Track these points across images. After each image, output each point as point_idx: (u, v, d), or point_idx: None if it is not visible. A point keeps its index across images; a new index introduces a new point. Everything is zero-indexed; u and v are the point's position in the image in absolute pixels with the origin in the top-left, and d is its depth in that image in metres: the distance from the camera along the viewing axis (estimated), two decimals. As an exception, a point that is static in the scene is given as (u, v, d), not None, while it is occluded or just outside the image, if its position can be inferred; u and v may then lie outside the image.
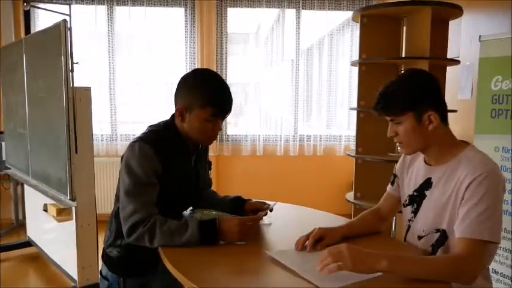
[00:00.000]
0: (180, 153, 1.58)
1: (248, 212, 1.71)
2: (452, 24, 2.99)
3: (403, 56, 3.08)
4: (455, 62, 2.89)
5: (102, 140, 4.71)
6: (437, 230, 1.37)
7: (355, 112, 3.04)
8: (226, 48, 4.74)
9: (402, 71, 1.28)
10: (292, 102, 4.93)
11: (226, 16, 4.73)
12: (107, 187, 4.60)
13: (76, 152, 2.84)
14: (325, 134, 5.00)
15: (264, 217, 1.69)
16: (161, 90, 4.82)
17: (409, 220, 1.50)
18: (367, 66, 3.06)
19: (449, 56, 3.01)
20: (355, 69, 4.71)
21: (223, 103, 1.51)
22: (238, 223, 1.45)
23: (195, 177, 1.69)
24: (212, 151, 4.79)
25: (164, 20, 4.68)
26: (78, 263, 2.97)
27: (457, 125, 3.20)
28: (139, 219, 1.43)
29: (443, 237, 1.35)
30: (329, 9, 4.82)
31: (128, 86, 4.80)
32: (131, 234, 1.44)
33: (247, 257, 1.37)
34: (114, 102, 4.70)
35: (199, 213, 1.73)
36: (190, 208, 1.78)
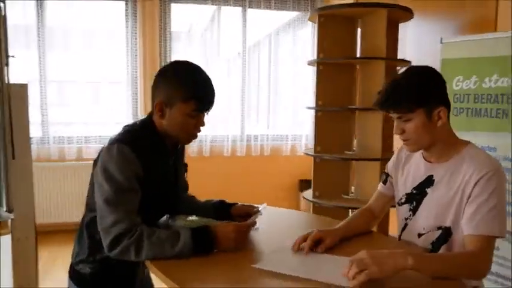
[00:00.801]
0: (158, 153, 1.44)
1: (236, 217, 1.60)
2: (404, 26, 3.10)
3: (358, 56, 3.13)
4: (407, 62, 2.99)
5: (32, 144, 4.26)
6: (439, 228, 1.37)
7: (300, 111, 3.02)
8: (170, 46, 4.54)
9: (401, 70, 1.22)
10: (238, 102, 4.84)
11: (170, 12, 4.52)
12: (42, 195, 4.18)
13: (13, 158, 2.53)
14: (272, 133, 4.98)
15: None
16: (100, 89, 4.49)
17: (406, 218, 1.49)
18: (324, 65, 3.07)
19: (408, 57, 3.10)
20: (301, 69, 4.84)
21: (207, 96, 1.39)
22: (234, 229, 1.34)
23: (174, 178, 1.55)
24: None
25: (103, 14, 4.35)
26: (15, 282, 2.65)
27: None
28: (123, 230, 1.27)
29: (446, 234, 1.35)
30: (275, 8, 4.81)
31: (62, 84, 4.41)
32: (114, 248, 1.27)
33: (241, 263, 1.28)
34: (46, 101, 4.29)
35: (181, 220, 1.59)
36: (167, 216, 1.63)
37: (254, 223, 1.47)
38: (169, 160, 1.51)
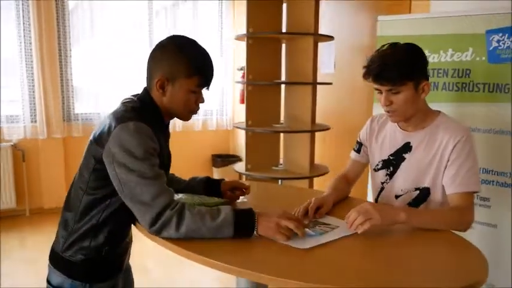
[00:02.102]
0: (161, 132, 1.39)
1: (226, 192, 1.60)
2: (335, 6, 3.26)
3: (284, 31, 3.22)
4: (330, 38, 3.16)
5: None
6: (417, 189, 1.54)
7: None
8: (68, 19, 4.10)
9: (386, 47, 1.32)
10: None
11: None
12: None
13: None
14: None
15: (241, 196, 1.61)
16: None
17: (383, 183, 1.64)
18: (254, 40, 3.09)
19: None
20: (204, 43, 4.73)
21: (210, 71, 1.37)
22: (277, 220, 1.23)
23: (169, 156, 1.51)
24: (59, 132, 4.16)
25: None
26: None
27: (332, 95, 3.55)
28: (167, 202, 1.22)
29: (424, 194, 1.53)
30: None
31: None
32: (156, 222, 1.21)
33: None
34: None
35: (186, 200, 1.48)
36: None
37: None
38: (167, 139, 1.47)
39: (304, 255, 1.16)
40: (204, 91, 1.39)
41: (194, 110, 1.40)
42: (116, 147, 1.23)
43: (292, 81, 3.16)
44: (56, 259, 1.37)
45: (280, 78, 3.33)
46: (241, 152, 5.10)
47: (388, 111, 1.50)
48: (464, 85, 2.19)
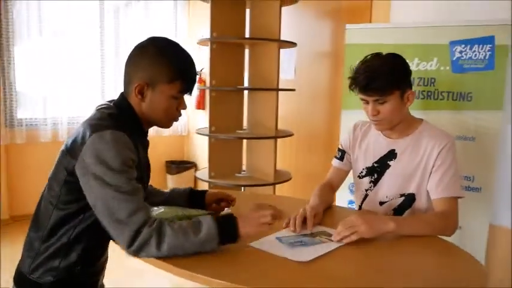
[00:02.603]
0: (140, 141, 1.31)
1: (211, 204, 1.53)
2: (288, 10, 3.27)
3: (247, 36, 3.20)
4: (293, 44, 3.17)
5: None
6: (402, 195, 1.57)
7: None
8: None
9: (374, 55, 1.33)
10: (98, 81, 4.38)
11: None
12: None
13: None
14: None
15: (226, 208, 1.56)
16: None
17: (367, 190, 1.65)
18: (218, 45, 3.04)
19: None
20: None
21: (193, 76, 1.30)
22: (254, 213, 1.26)
23: (148, 166, 1.42)
24: (1, 139, 3.84)
25: None
26: None
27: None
28: (143, 219, 1.13)
29: (410, 200, 1.56)
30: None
31: None
32: (134, 241, 1.10)
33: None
34: None
35: (164, 213, 1.38)
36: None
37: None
38: (145, 147, 1.37)
39: (301, 267, 1.13)
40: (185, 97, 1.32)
41: (175, 117, 1.32)
42: (90, 157, 1.13)
43: (257, 87, 3.14)
44: (21, 281, 1.25)
45: (243, 84, 3.30)
46: (197, 158, 5.00)
47: (375, 121, 1.52)
48: (429, 93, 2.28)
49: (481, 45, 2.12)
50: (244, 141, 3.33)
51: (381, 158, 1.61)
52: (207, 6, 3.04)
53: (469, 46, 2.16)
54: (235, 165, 3.31)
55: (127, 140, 1.17)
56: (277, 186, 3.35)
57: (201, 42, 3.17)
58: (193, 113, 4.86)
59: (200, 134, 3.20)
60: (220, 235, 1.15)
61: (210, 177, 3.14)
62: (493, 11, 2.23)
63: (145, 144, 1.38)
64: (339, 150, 1.76)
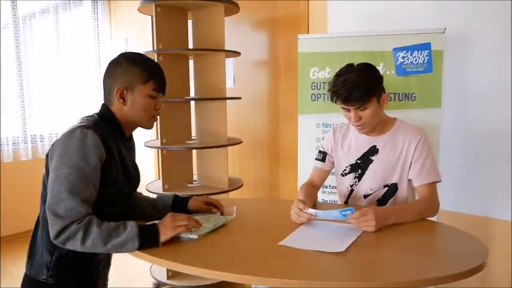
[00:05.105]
0: (121, 142, 1.47)
1: (193, 211, 1.64)
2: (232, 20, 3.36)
3: (191, 47, 3.22)
4: (237, 53, 3.26)
5: None
6: (386, 186, 1.74)
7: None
8: None
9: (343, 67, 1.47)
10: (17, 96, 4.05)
11: None
12: None
13: None
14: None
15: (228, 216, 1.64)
16: None
17: (352, 185, 1.80)
18: (164, 56, 3.02)
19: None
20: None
21: (162, 75, 1.49)
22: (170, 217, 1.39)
23: (133, 169, 1.56)
24: None
25: None
26: None
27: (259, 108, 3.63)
28: (75, 218, 1.26)
29: (392, 189, 1.74)
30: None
31: None
32: (61, 234, 1.24)
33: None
34: None
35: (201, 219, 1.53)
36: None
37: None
38: (130, 150, 1.54)
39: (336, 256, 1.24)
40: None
41: (155, 115, 1.48)
42: (57, 150, 1.29)
43: (206, 97, 3.17)
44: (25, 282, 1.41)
45: (189, 95, 3.31)
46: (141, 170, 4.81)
47: (358, 125, 1.67)
48: (378, 95, 2.53)
49: (420, 51, 2.42)
50: (194, 151, 3.33)
51: (364, 154, 1.77)
52: (130, 7, 2.97)
53: (410, 52, 2.44)
54: (186, 176, 3.29)
55: (96, 139, 1.30)
56: (230, 194, 3.40)
57: (147, 54, 3.11)
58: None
59: (150, 147, 3.14)
60: (140, 237, 1.28)
61: (164, 190, 3.09)
62: (429, 21, 2.55)
63: (130, 145, 1.55)
64: (320, 152, 1.89)
